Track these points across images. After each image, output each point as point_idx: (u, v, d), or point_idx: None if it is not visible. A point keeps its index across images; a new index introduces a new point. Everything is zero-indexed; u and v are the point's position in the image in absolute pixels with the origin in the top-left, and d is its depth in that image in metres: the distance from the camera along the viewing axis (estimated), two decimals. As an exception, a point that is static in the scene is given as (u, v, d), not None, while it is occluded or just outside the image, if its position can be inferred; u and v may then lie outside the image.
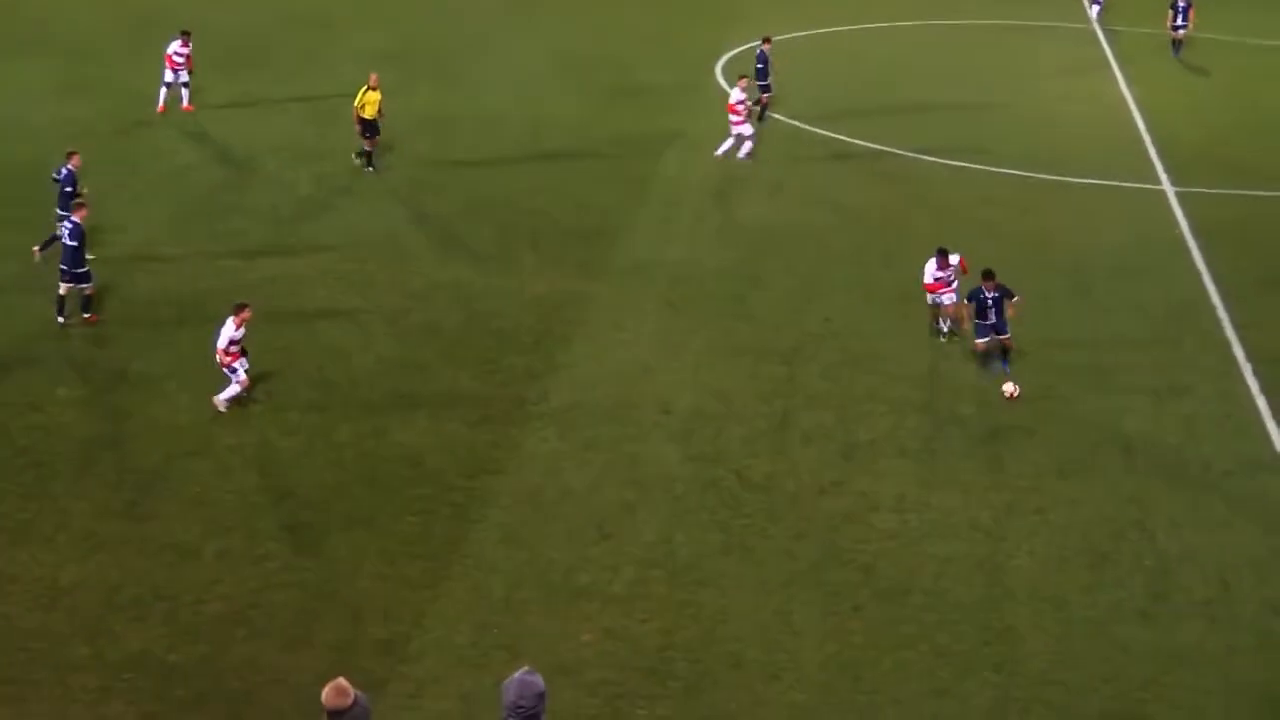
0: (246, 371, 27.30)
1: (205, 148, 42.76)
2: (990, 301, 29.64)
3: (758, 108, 46.25)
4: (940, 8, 68.32)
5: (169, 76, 45.67)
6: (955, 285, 31.18)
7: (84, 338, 30.30)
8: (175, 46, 45.61)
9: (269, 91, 49.45)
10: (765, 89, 47.11)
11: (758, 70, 47.50)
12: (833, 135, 45.48)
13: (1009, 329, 29.92)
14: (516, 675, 11.40)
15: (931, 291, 31.41)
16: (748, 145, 43.34)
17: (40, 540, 23.07)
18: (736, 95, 43.21)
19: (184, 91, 45.99)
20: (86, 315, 30.84)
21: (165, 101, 45.84)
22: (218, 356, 26.92)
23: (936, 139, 46.33)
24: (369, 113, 40.57)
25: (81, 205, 31.01)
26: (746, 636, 21.36)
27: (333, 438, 26.61)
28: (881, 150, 45.12)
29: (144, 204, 33.71)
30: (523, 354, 30.30)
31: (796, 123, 47.59)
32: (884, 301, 30.91)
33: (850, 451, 26.87)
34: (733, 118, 43.29)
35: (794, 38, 58.08)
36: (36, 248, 33.10)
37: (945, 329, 31.49)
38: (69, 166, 33.52)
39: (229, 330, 26.87)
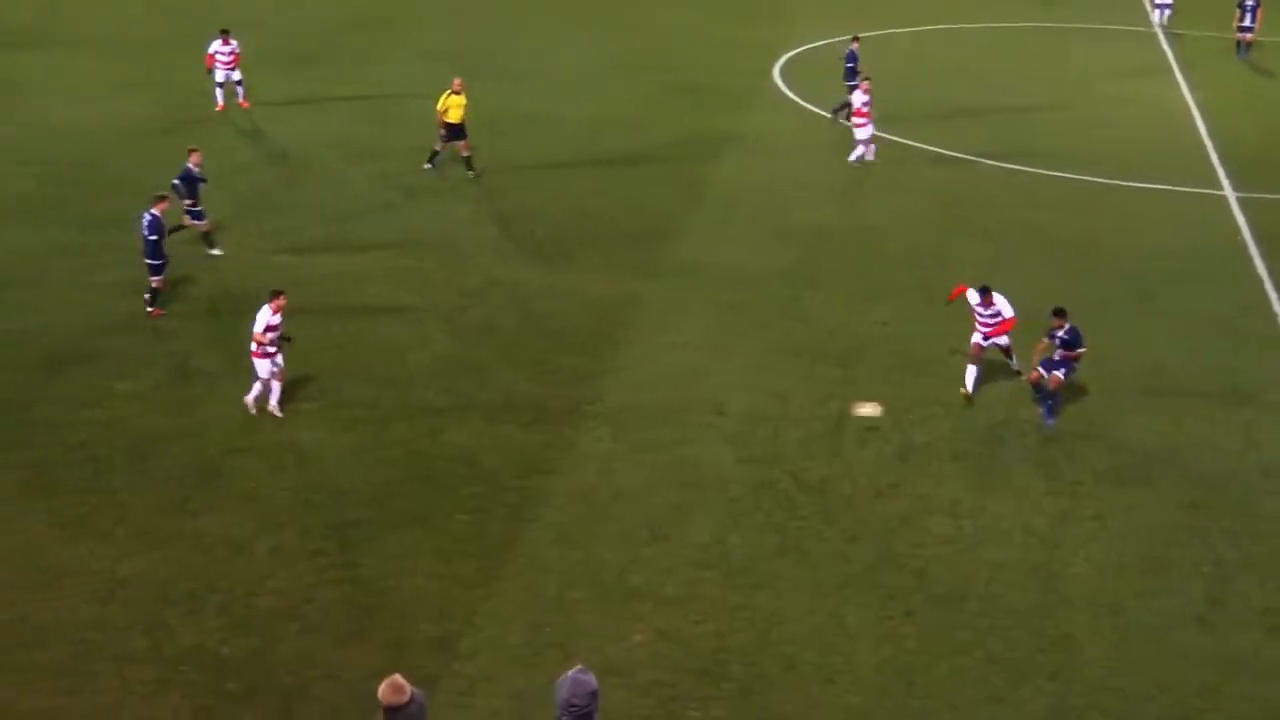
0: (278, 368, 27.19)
1: (262, 145, 42.97)
2: (1058, 341, 28.04)
3: (845, 108, 46.14)
4: (999, 10, 68.04)
5: (219, 76, 45.89)
6: (995, 327, 28.81)
7: (143, 332, 30.47)
8: (216, 45, 45.85)
9: (327, 90, 49.65)
10: (851, 89, 46.75)
11: (846, 70, 47.29)
12: (889, 137, 45.28)
13: (1063, 370, 28.20)
14: (570, 674, 11.37)
15: (953, 295, 30.02)
16: (859, 149, 43.11)
17: (98, 534, 23.23)
18: (860, 99, 42.90)
19: (239, 89, 46.22)
20: (150, 309, 31.02)
21: (223, 100, 46.12)
22: (252, 342, 26.83)
23: (993, 142, 46.12)
24: (452, 116, 40.48)
25: (163, 199, 31.25)
26: (801, 639, 21.28)
27: (387, 435, 26.66)
28: (938, 153, 44.92)
29: (202, 201, 33.83)
30: (577, 354, 30.29)
31: (843, 123, 47.35)
32: (940, 304, 30.74)
33: (906, 455, 26.74)
34: (855, 120, 43.08)
35: (851, 40, 57.86)
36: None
37: (972, 386, 28.93)
38: (190, 164, 34.05)
39: (265, 315, 26.78)
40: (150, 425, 26.65)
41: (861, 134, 43.11)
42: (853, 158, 43.34)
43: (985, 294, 28.92)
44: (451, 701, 19.31)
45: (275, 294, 27.07)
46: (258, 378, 26.93)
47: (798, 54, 57.08)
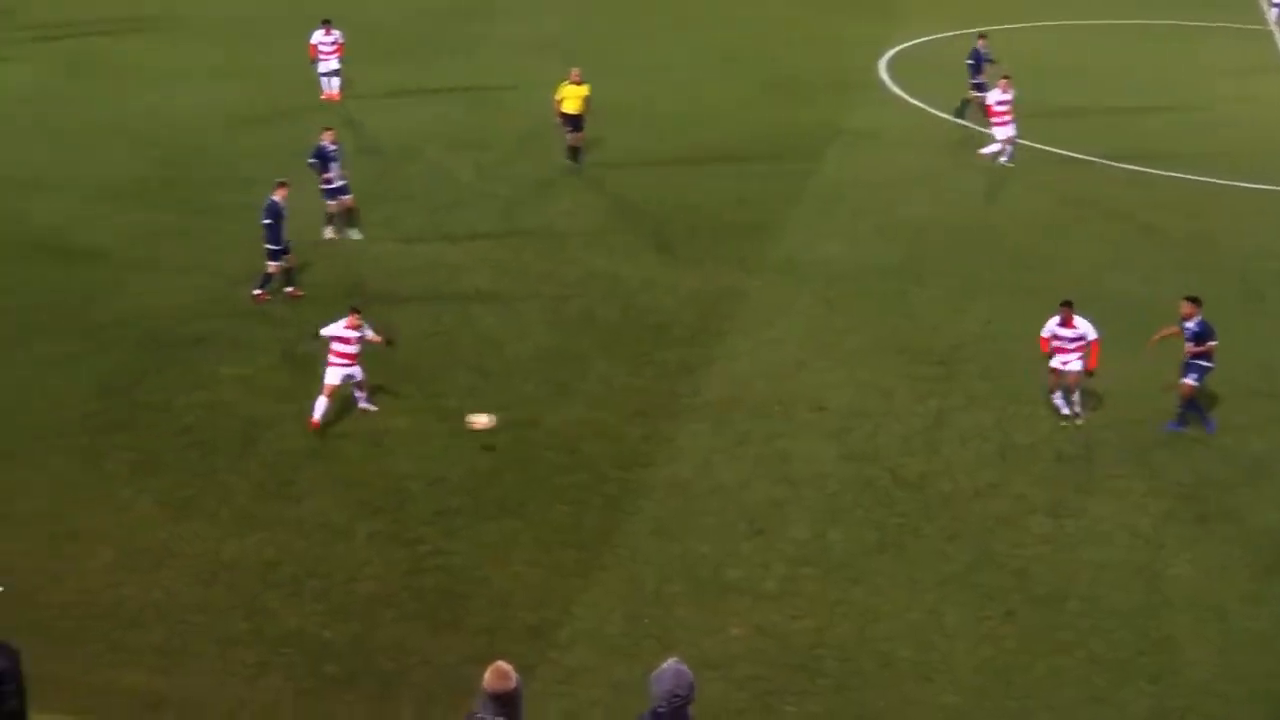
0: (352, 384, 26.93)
1: (364, 135, 43.18)
2: (1188, 333, 27.20)
3: (968, 106, 45.80)
4: (1110, 7, 67.20)
5: (322, 66, 46.05)
6: (1081, 351, 27.38)
7: (249, 317, 30.70)
8: (319, 35, 46.01)
9: (426, 80, 49.80)
10: (976, 87, 46.33)
11: (969, 67, 46.88)
12: (989, 133, 44.76)
13: (1194, 376, 27.27)
14: (670, 665, 11.37)
15: (1045, 350, 27.88)
16: (995, 147, 42.65)
17: (202, 516, 23.48)
18: (996, 96, 42.45)
19: (334, 81, 46.27)
20: (256, 291, 31.29)
21: (335, 88, 46.23)
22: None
23: (1104, 140, 45.50)
24: (569, 107, 40.40)
25: (284, 184, 31.52)
26: (898, 636, 21.15)
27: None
28: (1047, 151, 44.43)
29: (302, 189, 34.05)
30: (677, 347, 30.25)
31: (961, 122, 47.04)
32: (1047, 304, 30.23)
33: (1007, 454, 26.50)
34: (993, 119, 42.65)
35: (958, 35, 57.39)
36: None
37: (1065, 409, 27.80)
38: (324, 141, 34.58)
39: (337, 327, 26.59)
40: (254, 409, 26.86)
41: (1001, 133, 42.41)
42: (986, 151, 42.69)
43: (1066, 310, 27.53)
44: (549, 690, 19.34)
45: (351, 310, 26.84)
46: (324, 385, 26.55)
47: (904, 49, 56.72)
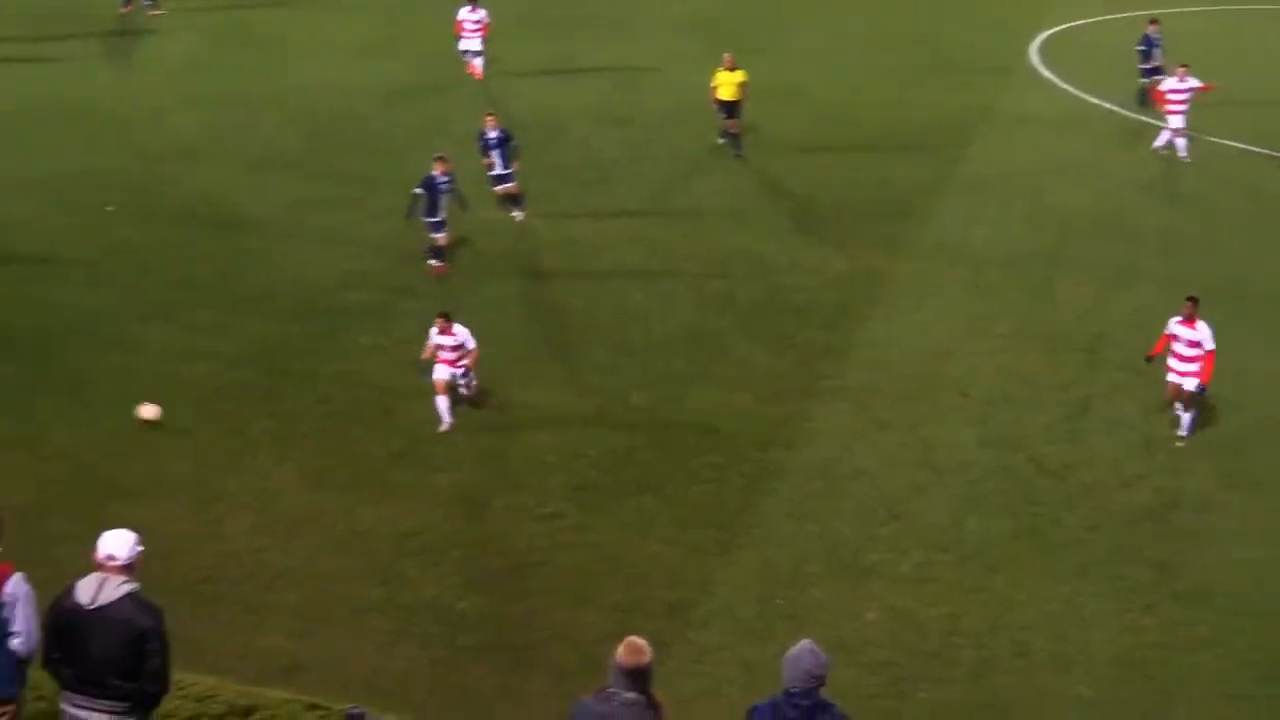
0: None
1: (512, 110, 43.26)
2: None
3: (1145, 93, 45.01)
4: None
5: (463, 44, 45.96)
6: (1197, 363, 25.84)
7: (389, 289, 30.89)
8: (464, 13, 45.91)
9: (577, 56, 49.85)
10: (1148, 73, 45.47)
11: (1139, 53, 46.05)
12: (1153, 122, 43.99)
13: None
14: (806, 647, 11.31)
15: (1159, 350, 26.49)
16: (1165, 137, 41.62)
17: (340, 485, 23.74)
18: (1171, 84, 41.42)
19: (478, 59, 46.08)
20: (432, 262, 31.51)
21: (481, 66, 46.30)
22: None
23: (1263, 128, 44.41)
24: (724, 94, 40.13)
25: (441, 159, 31.73)
26: (1034, 626, 20.89)
27: (627, 401, 26.78)
28: (1203, 138, 43.51)
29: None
30: (820, 329, 30.10)
31: (1115, 107, 46.32)
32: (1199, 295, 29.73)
33: (1151, 445, 26.05)
34: (1165, 108, 41.60)
35: (1117, 19, 56.53)
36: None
37: (1180, 426, 26.28)
38: (487, 129, 34.89)
39: (431, 335, 26.13)
40: (394, 381, 27.03)
41: (1175, 121, 41.40)
42: (1158, 143, 41.83)
43: (1190, 306, 25.95)
44: (682, 669, 19.30)
45: (440, 315, 26.38)
46: (435, 383, 26.09)
47: (1056, 33, 55.93)
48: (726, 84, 39.98)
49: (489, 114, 35.44)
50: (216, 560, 21.61)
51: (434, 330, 26.11)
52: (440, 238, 31.53)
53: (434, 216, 31.38)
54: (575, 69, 48.71)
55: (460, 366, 26.03)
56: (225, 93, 44.03)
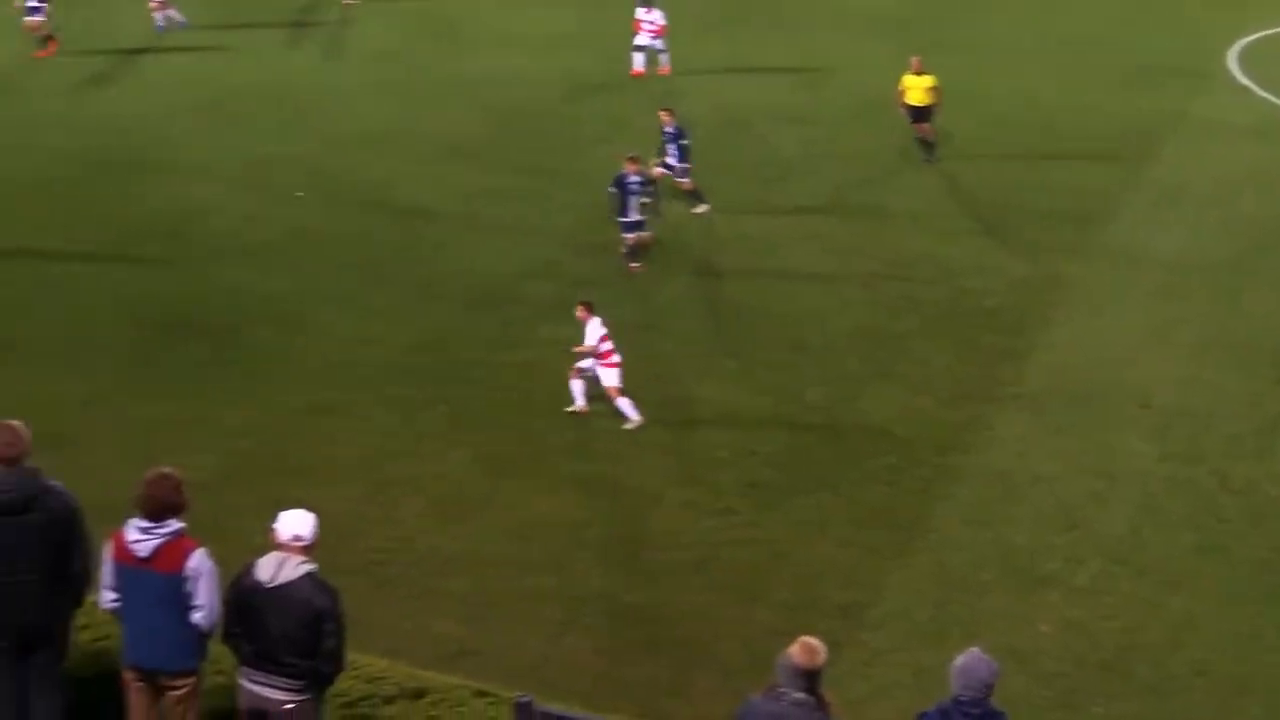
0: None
1: (693, 106, 43.11)
2: None
3: None
4: None
5: (641, 40, 45.83)
6: None
7: (565, 280, 30.78)
8: (640, 13, 45.76)
9: (759, 52, 49.40)
10: None
11: None
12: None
13: None
14: (978, 654, 11.12)
15: None
16: None
17: (515, 473, 23.91)
18: None
19: (661, 57, 45.96)
20: (633, 265, 31.42)
21: (644, 65, 46.05)
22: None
23: None
24: (912, 98, 39.43)
25: (632, 159, 31.74)
26: (1215, 645, 20.41)
27: (802, 400, 26.61)
28: None
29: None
30: (1000, 333, 29.64)
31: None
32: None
33: (1345, 464, 25.32)
34: None
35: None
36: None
37: None
38: (664, 125, 34.97)
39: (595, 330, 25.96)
40: (568, 372, 26.99)
41: None
42: None
43: None
44: (852, 670, 19.09)
45: (581, 303, 26.25)
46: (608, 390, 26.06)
47: (1257, 39, 54.59)
48: (914, 88, 39.20)
49: (664, 109, 35.37)
50: (389, 543, 21.84)
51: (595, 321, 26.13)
52: (630, 238, 31.39)
53: (625, 216, 31.33)
54: (757, 66, 48.33)
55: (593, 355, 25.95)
56: (413, 81, 44.40)
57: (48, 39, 44.52)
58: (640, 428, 25.49)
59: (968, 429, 25.92)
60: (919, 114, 39.16)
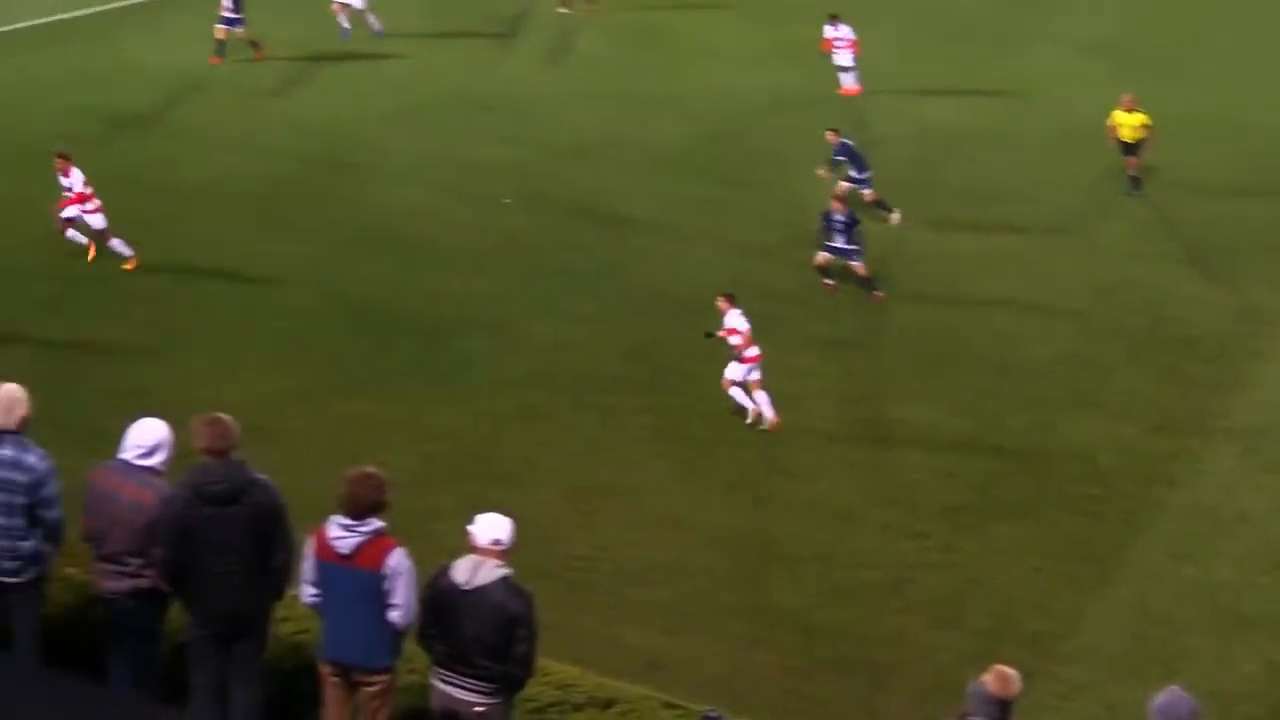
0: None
1: (900, 124, 42.76)
2: None
3: None
4: None
5: (841, 59, 45.37)
6: None
7: (763, 294, 30.47)
8: (828, 30, 45.28)
9: (969, 72, 48.62)
10: None
11: None
12: None
13: None
14: (1179, 694, 10.89)
15: None
16: None
17: (714, 485, 24.04)
18: None
19: (847, 75, 45.41)
20: (875, 294, 31.16)
21: (855, 83, 45.61)
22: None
23: None
24: (1124, 135, 38.67)
25: (837, 199, 31.72)
26: None
27: (1004, 424, 26.27)
28: None
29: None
30: (1209, 365, 28.98)
31: None
32: None
33: None
34: None
35: None
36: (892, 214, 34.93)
37: None
38: (842, 140, 35.13)
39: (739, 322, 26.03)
40: (775, 386, 26.60)
41: None
42: None
43: None
44: (1044, 703, 18.76)
45: (722, 296, 26.33)
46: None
47: None
48: (1125, 125, 38.50)
49: (830, 130, 35.22)
50: (586, 550, 21.97)
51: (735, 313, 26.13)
52: (857, 265, 31.14)
53: (832, 243, 31.16)
54: (967, 87, 47.74)
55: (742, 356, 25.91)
56: (621, 91, 44.62)
57: (253, 44, 45.10)
58: (757, 419, 25.60)
59: (1173, 461, 25.39)
60: (1128, 148, 38.48)
